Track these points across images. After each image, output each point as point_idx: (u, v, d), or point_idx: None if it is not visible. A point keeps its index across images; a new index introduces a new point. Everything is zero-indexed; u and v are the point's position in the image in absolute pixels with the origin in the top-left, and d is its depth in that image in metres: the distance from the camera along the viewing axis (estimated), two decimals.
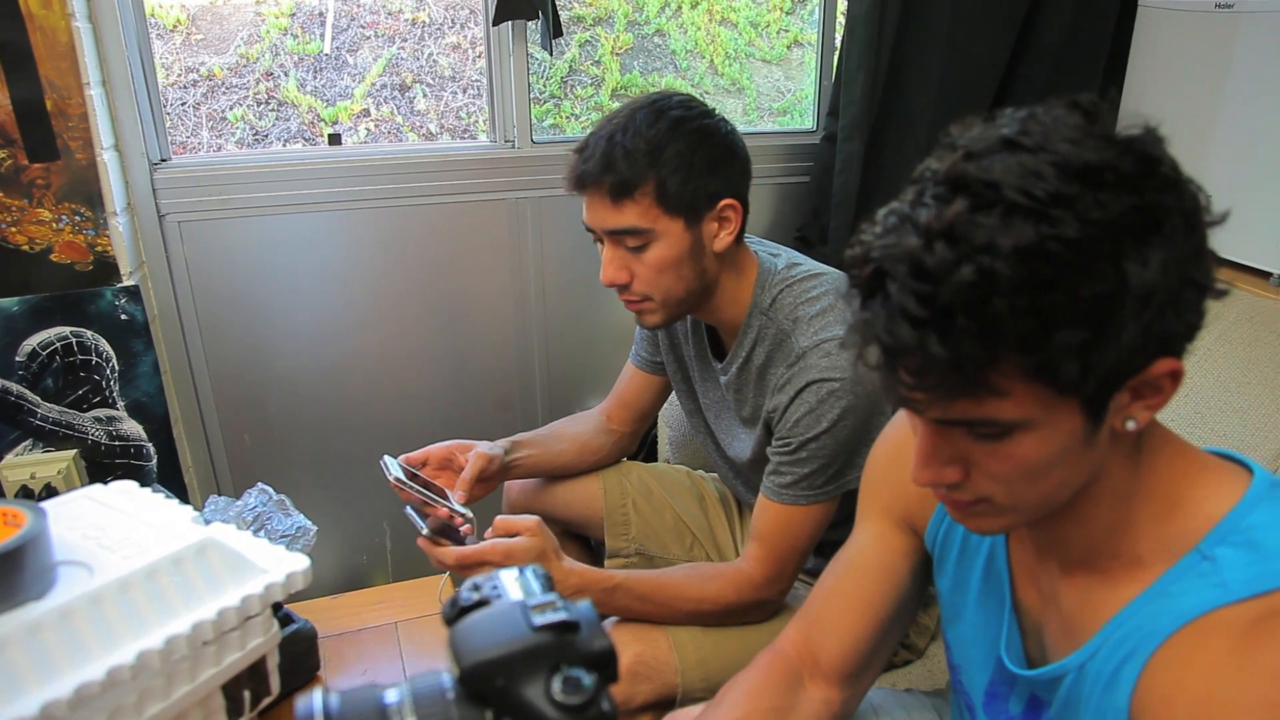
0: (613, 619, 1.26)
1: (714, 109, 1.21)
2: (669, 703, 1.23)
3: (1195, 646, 0.63)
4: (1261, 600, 0.62)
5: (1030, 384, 0.59)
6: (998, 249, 0.56)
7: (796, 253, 1.33)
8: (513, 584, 0.54)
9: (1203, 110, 1.69)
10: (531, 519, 1.16)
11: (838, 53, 1.97)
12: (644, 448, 1.66)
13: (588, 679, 0.48)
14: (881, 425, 1.18)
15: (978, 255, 0.56)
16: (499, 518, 1.18)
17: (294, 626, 1.22)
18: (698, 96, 1.22)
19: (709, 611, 1.24)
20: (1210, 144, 1.67)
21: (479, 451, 1.34)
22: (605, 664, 0.49)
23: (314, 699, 0.49)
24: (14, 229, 1.56)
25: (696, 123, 1.17)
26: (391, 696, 0.49)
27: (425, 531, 1.17)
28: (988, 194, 0.58)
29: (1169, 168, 0.60)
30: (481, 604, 0.52)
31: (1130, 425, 0.64)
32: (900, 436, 0.92)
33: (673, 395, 1.56)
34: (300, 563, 0.91)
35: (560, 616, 0.49)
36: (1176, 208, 0.59)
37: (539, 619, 0.49)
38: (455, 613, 0.53)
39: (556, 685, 0.48)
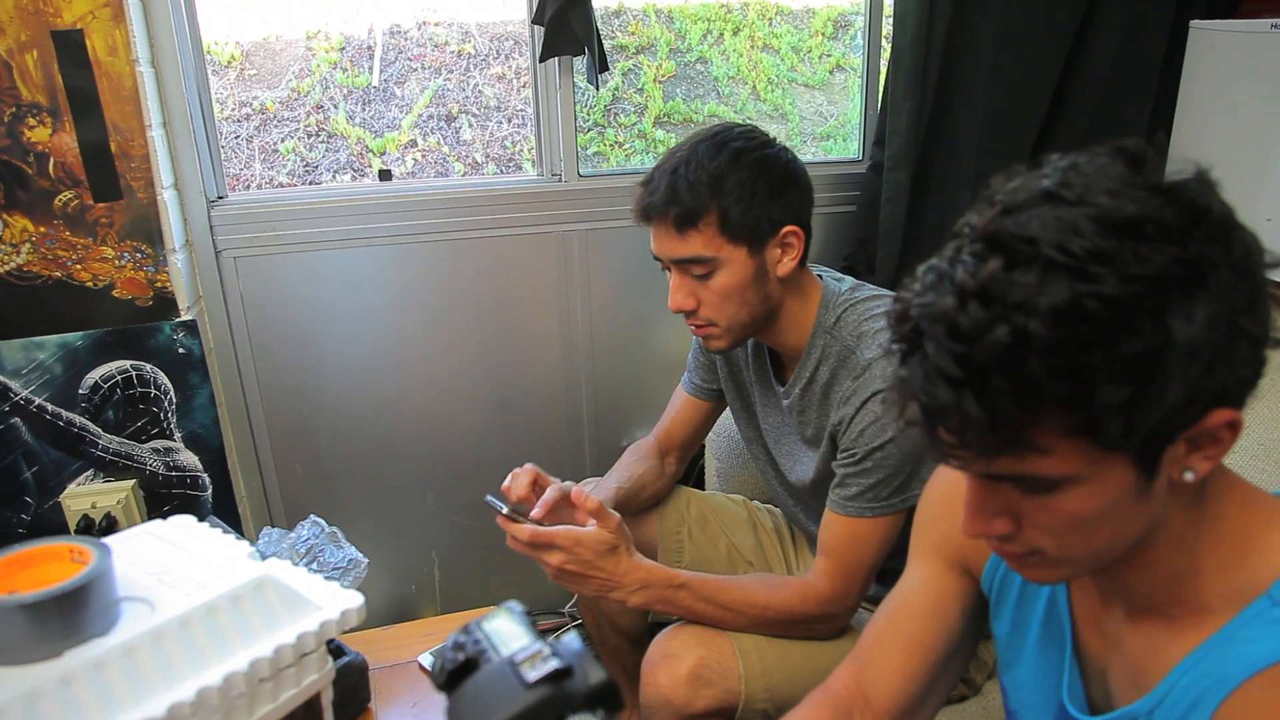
0: (678, 621, 1.27)
1: (774, 138, 1.24)
2: (730, 711, 1.23)
3: (1268, 695, 0.61)
4: None
5: (1073, 441, 0.58)
6: (1033, 308, 0.55)
7: (859, 280, 1.34)
8: (497, 634, 0.53)
9: (1259, 134, 1.66)
10: (614, 516, 1.19)
11: (883, 81, 1.96)
12: (691, 477, 1.66)
13: None
14: None
15: (1012, 315, 0.56)
16: (578, 490, 1.20)
17: (346, 659, 1.23)
18: (758, 127, 1.25)
19: (773, 619, 1.24)
20: (1267, 169, 1.64)
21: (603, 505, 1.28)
22: (607, 698, 0.49)
23: None
24: (79, 266, 1.61)
25: (757, 153, 1.20)
26: None
27: (505, 510, 1.19)
28: (1024, 250, 0.57)
29: (1218, 215, 0.58)
30: (469, 663, 0.51)
31: (1189, 476, 0.62)
32: (953, 477, 0.91)
33: (721, 426, 1.56)
34: (354, 600, 0.92)
35: (551, 666, 0.49)
36: (1224, 259, 0.57)
37: (531, 673, 0.49)
38: (444, 678, 0.52)
39: None
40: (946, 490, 0.93)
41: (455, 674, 0.51)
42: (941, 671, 0.94)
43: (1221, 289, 0.57)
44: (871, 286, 1.31)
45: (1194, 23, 1.80)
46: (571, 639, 0.51)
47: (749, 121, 1.28)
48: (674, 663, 1.21)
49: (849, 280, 1.33)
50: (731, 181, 1.18)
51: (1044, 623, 0.84)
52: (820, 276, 1.32)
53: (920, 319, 0.60)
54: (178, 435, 1.74)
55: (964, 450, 0.61)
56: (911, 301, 0.61)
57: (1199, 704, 0.65)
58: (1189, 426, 0.59)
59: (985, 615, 0.92)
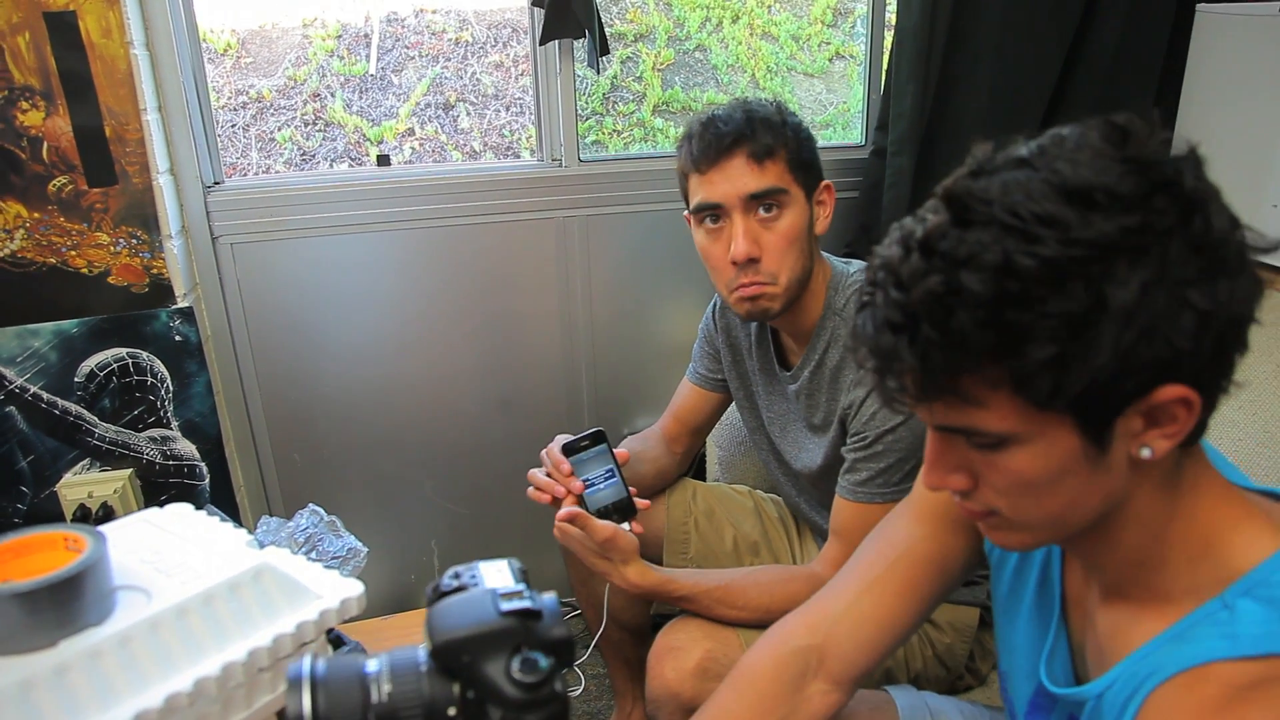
0: (683, 613, 1.27)
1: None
2: None
3: (1187, 694, 0.62)
4: (1267, 662, 0.60)
5: (1007, 395, 0.61)
6: (967, 262, 0.58)
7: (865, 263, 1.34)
8: (490, 574, 0.59)
9: (1265, 117, 1.64)
10: (631, 540, 1.21)
11: (886, 65, 1.94)
12: (693, 467, 1.65)
13: (544, 661, 0.54)
14: None
15: (947, 267, 0.58)
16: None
17: (345, 649, 1.22)
18: None
19: (781, 613, 1.23)
20: (1273, 154, 1.62)
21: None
22: (563, 650, 0.55)
23: (303, 662, 0.54)
24: (73, 252, 1.59)
25: (791, 114, 1.27)
26: (372, 666, 0.55)
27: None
28: (978, 210, 0.59)
29: (1187, 190, 0.59)
30: (459, 589, 0.58)
31: (1145, 454, 0.63)
32: None
33: (724, 415, 1.55)
34: (354, 588, 0.91)
35: (525, 604, 0.55)
36: (1177, 230, 0.58)
37: (506, 605, 0.55)
38: (435, 595, 0.58)
39: (515, 664, 0.54)
40: None
41: (444, 593, 0.58)
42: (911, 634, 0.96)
43: (1167, 260, 0.57)
44: None
45: (1200, 6, 1.79)
46: (551, 600, 0.57)
47: None
48: (680, 656, 1.20)
49: (856, 263, 1.34)
50: (792, 124, 1.23)
51: (1038, 591, 0.85)
52: (828, 258, 1.33)
53: (877, 270, 0.64)
54: (175, 424, 1.73)
55: (904, 395, 0.65)
56: (877, 254, 0.66)
57: (1136, 694, 0.66)
58: (1136, 398, 0.60)
59: (969, 569, 0.94)
